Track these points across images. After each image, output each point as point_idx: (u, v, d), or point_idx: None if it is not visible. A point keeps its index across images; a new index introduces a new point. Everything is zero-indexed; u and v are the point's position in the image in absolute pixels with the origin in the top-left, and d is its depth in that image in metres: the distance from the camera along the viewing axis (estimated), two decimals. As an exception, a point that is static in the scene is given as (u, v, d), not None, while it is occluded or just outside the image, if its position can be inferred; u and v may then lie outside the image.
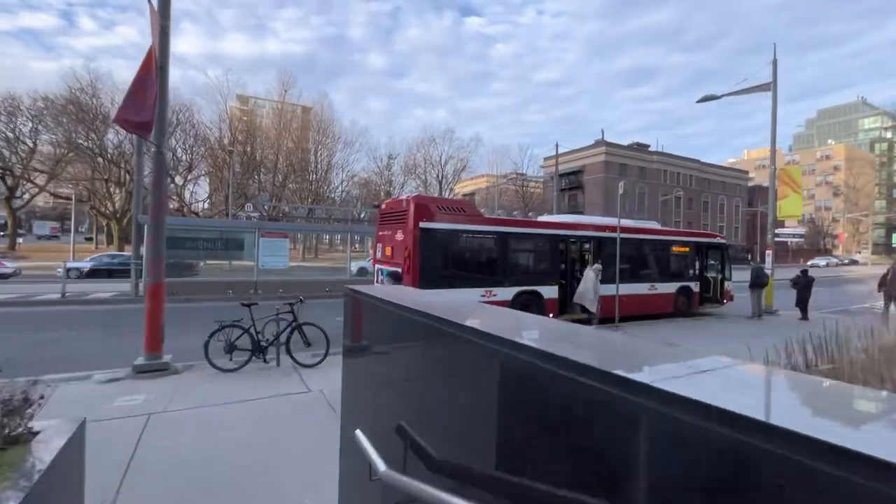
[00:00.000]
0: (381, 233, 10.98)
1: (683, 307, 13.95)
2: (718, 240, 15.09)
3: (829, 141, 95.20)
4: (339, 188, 50.58)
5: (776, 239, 14.97)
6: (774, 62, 15.15)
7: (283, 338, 6.84)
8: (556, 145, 28.02)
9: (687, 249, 14.19)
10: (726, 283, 14.98)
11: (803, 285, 13.89)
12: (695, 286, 14.25)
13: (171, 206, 45.05)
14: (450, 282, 9.66)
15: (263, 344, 6.73)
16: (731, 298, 15.20)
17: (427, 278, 9.34)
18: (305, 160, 46.85)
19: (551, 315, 11.13)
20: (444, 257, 9.73)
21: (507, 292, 10.45)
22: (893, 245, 73.83)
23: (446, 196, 47.49)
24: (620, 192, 11.22)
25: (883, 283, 13.46)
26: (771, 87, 15.11)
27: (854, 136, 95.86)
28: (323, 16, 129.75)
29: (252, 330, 6.64)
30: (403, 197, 10.17)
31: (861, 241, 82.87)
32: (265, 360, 6.78)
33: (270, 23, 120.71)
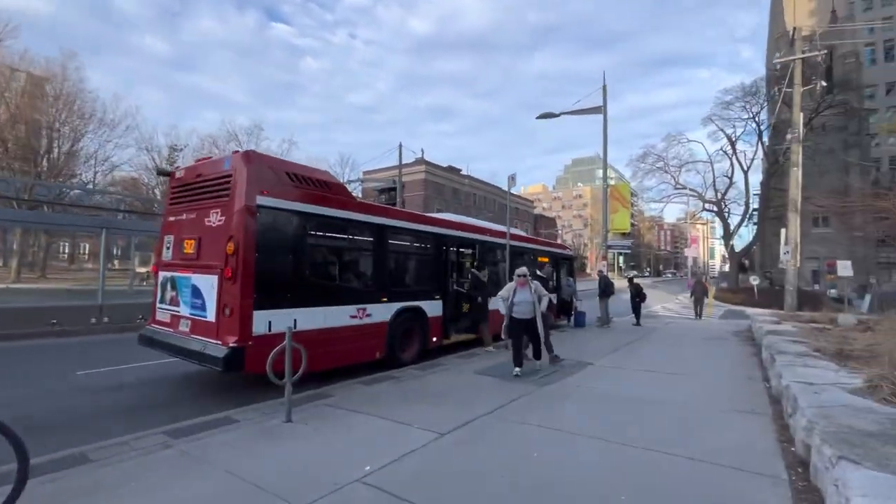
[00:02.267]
0: (173, 218, 6.44)
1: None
2: (568, 252, 15.15)
3: (579, 184, 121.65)
4: (91, 184, 37.26)
5: (609, 249, 15.96)
6: (604, 87, 16.39)
7: None
8: (399, 146, 25.75)
9: (547, 260, 13.59)
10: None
11: (635, 294, 14.89)
12: (554, 298, 13.70)
13: None
14: (304, 297, 5.99)
15: None
16: (576, 310, 15.37)
17: (267, 291, 5.49)
18: (31, 138, 32.82)
19: (434, 339, 8.45)
20: (297, 258, 6.00)
21: (386, 310, 7.32)
22: (620, 266, 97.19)
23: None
24: (509, 185, 9.48)
25: (693, 292, 16.78)
26: (602, 109, 16.27)
27: (594, 181, 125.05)
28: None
29: None
30: (221, 156, 6.01)
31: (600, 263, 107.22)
32: None
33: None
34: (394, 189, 46.72)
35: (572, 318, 13.78)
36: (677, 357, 8.51)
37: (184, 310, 5.90)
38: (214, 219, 5.64)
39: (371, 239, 7.24)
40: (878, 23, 45.94)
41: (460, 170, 57.16)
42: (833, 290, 32.45)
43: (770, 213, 38.03)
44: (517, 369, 6.63)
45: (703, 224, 58.71)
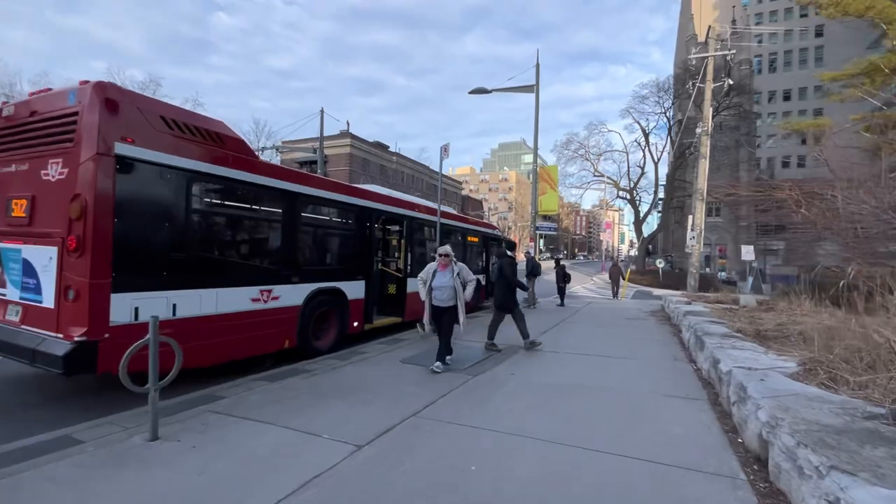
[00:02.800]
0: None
1: (473, 303, 12.86)
2: (498, 232, 14.88)
3: (505, 168, 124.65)
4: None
5: (537, 231, 15.97)
6: (537, 66, 16.13)
7: None
8: (321, 112, 23.46)
9: (477, 240, 13.18)
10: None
11: (561, 276, 15.07)
12: (483, 280, 13.38)
13: None
14: (188, 276, 4.81)
15: None
16: None
17: (132, 268, 4.26)
18: None
19: (355, 325, 7.57)
20: (178, 227, 4.76)
21: (298, 292, 6.29)
22: (540, 249, 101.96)
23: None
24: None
25: (610, 275, 17.66)
26: (534, 88, 16.03)
27: (519, 166, 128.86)
28: None
29: None
30: (66, 87, 4.49)
31: (526, 244, 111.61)
32: None
33: None
34: (315, 162, 43.84)
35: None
36: (605, 338, 8.48)
37: (11, 292, 4.43)
38: (54, 171, 4.21)
39: (280, 208, 6.11)
40: (772, 27, 51.50)
41: (388, 146, 55.23)
42: (723, 273, 36.48)
43: (673, 202, 41.57)
44: (438, 363, 5.60)
45: (615, 211, 62.96)
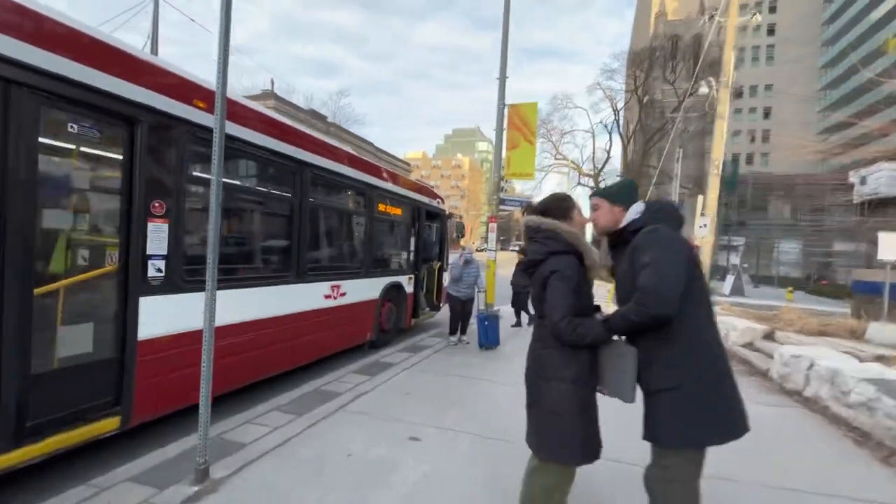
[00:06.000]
0: None
1: (388, 325, 6.94)
2: (438, 203, 9.01)
3: (459, 154, 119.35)
4: None
5: (502, 208, 10.35)
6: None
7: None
8: None
9: (400, 212, 7.30)
10: (444, 276, 9.02)
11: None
12: (409, 284, 7.57)
13: None
14: None
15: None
16: (446, 299, 9.32)
17: None
18: None
19: None
20: None
21: None
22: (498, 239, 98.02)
23: None
24: None
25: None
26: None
27: (473, 153, 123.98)
28: None
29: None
30: None
31: (476, 234, 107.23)
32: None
33: None
34: (228, 126, 35.63)
35: (460, 328, 7.32)
36: None
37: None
38: None
39: None
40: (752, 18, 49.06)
41: (326, 117, 47.73)
42: (695, 270, 33.11)
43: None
44: None
45: (572, 201, 59.36)
